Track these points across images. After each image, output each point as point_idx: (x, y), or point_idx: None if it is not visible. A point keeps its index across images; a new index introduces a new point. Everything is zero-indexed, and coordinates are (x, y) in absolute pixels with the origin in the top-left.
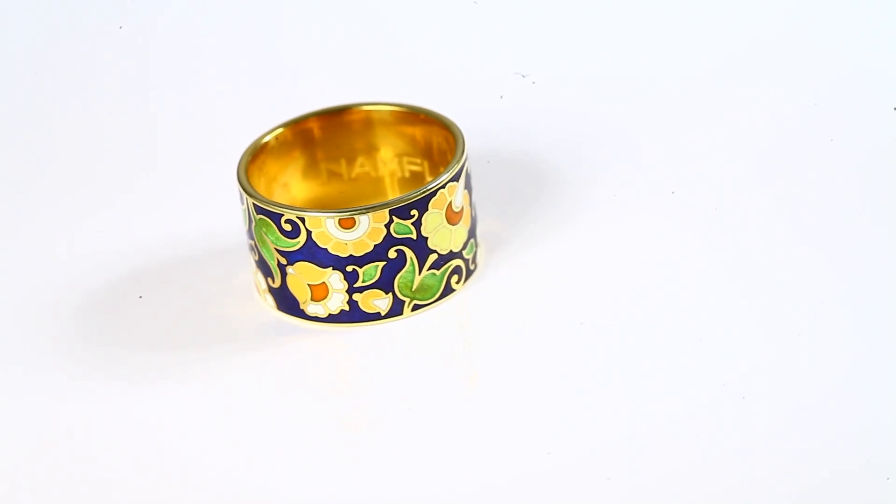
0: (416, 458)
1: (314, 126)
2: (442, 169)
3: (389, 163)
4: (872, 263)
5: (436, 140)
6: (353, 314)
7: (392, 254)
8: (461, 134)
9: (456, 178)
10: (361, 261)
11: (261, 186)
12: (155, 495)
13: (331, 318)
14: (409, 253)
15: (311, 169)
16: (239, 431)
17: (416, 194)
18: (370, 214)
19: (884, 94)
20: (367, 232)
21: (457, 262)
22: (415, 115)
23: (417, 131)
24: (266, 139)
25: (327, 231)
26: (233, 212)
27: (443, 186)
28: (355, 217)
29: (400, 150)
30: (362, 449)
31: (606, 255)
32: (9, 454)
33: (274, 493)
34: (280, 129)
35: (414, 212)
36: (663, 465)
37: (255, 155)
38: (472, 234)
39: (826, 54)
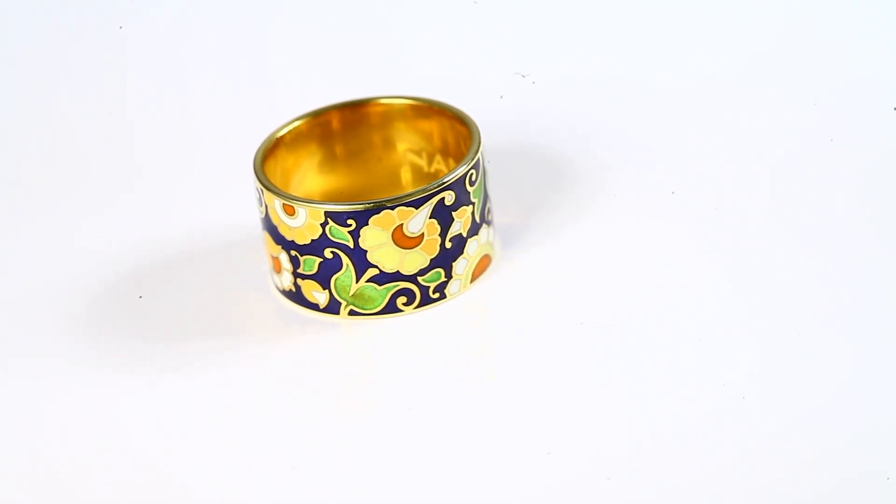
0: (416, 458)
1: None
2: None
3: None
4: (872, 263)
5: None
6: (299, 297)
7: (328, 254)
8: (470, 159)
9: (415, 205)
10: (302, 250)
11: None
12: (153, 491)
13: (284, 293)
14: (345, 259)
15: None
16: (238, 430)
17: (354, 205)
18: (307, 209)
19: (884, 95)
20: (304, 224)
21: (407, 285)
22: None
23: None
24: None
25: (276, 211)
26: (234, 210)
27: (391, 207)
28: (294, 206)
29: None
30: (362, 449)
31: (606, 255)
32: (9, 453)
33: (273, 492)
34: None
35: (351, 221)
36: (663, 465)
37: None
38: (439, 264)
39: (826, 55)
